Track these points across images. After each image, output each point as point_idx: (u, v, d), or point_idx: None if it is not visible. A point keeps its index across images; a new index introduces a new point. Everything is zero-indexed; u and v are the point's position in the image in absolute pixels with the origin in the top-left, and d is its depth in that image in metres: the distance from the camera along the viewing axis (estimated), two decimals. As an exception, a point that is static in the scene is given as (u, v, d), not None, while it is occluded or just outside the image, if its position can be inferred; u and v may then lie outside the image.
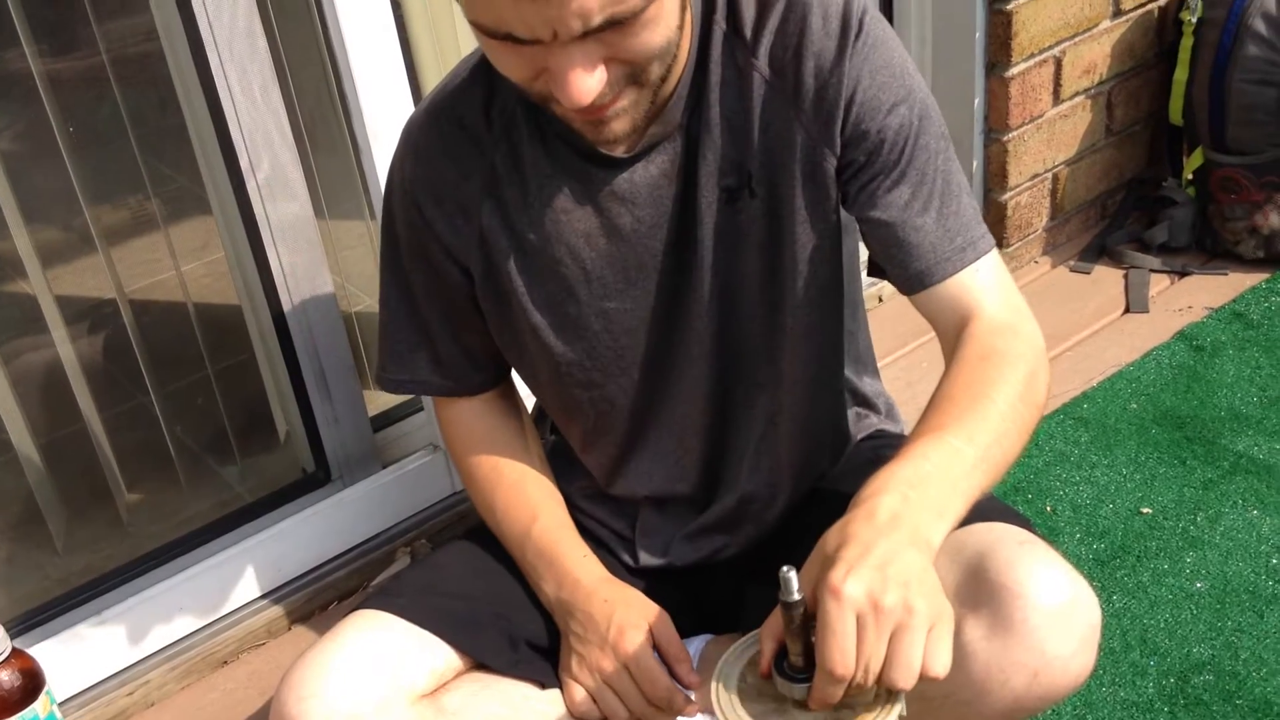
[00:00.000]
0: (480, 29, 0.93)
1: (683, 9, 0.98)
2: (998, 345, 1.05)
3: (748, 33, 1.07)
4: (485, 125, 1.13)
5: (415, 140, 1.17)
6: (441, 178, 1.15)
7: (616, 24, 0.90)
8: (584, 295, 1.15)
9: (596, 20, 0.89)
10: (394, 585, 1.25)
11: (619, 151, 1.09)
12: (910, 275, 1.10)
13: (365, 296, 1.97)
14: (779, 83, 1.07)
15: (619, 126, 1.01)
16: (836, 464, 1.30)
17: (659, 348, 1.18)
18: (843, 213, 1.14)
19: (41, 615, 1.54)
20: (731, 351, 1.17)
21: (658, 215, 1.12)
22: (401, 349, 1.25)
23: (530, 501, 1.24)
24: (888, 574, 0.85)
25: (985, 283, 1.09)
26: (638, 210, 1.11)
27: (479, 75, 1.14)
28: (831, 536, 0.91)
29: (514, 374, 1.31)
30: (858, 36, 1.04)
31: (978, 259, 1.09)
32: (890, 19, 2.08)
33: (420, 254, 1.19)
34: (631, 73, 0.97)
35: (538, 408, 1.39)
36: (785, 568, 0.87)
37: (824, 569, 0.87)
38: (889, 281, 1.13)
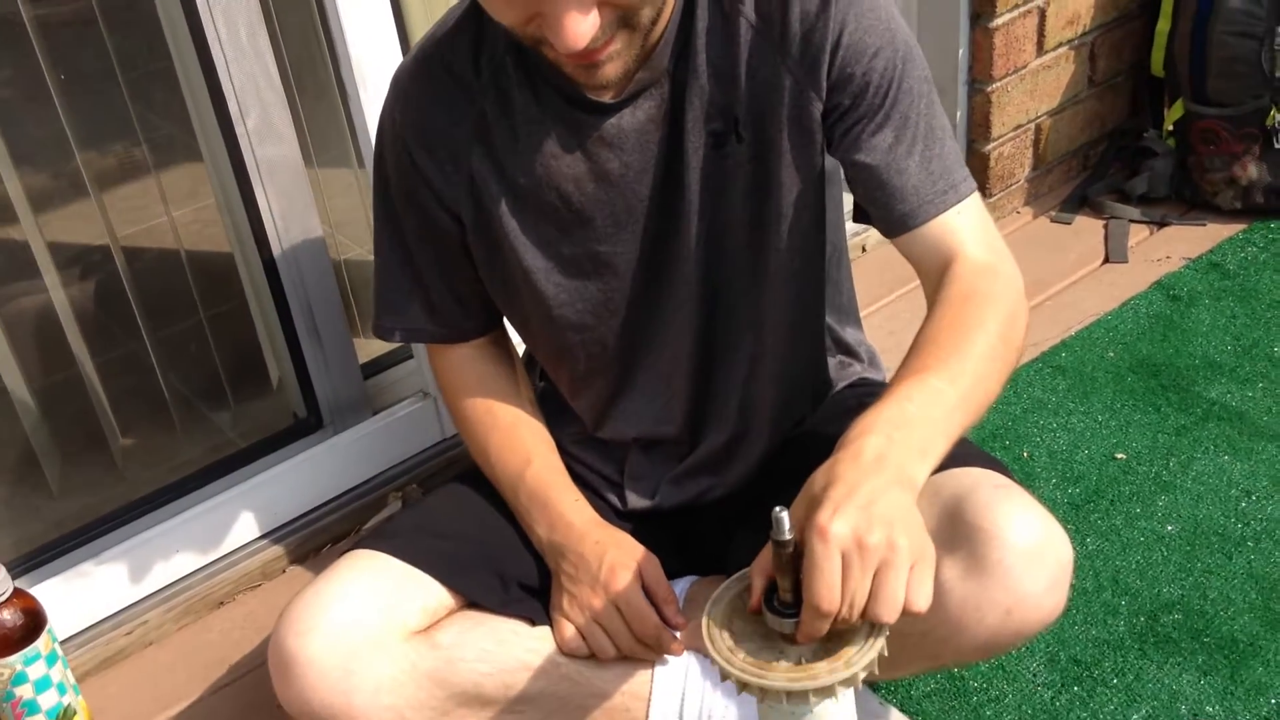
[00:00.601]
0: None
1: None
2: (979, 286, 1.08)
3: None
4: (474, 72, 1.14)
5: (405, 88, 1.19)
6: (432, 124, 1.16)
7: None
8: (575, 238, 1.17)
9: None
10: (388, 527, 1.28)
11: (607, 97, 1.11)
12: (894, 218, 1.12)
13: (354, 245, 1.98)
14: (766, 28, 1.08)
15: (610, 71, 1.03)
16: (817, 409, 1.33)
17: (648, 290, 1.20)
18: (827, 160, 1.16)
19: (40, 557, 1.57)
20: (717, 294, 1.20)
21: (645, 160, 1.14)
22: (396, 297, 1.27)
23: (524, 445, 1.27)
24: (873, 513, 0.88)
25: (968, 224, 1.12)
26: (625, 155, 1.13)
27: (467, 23, 1.15)
28: (819, 477, 0.94)
29: (505, 321, 1.33)
30: None
31: (960, 201, 1.12)
32: (877, -31, 2.09)
33: (412, 201, 1.21)
34: (624, 16, 0.99)
35: (527, 354, 1.42)
36: (777, 508, 0.90)
37: (811, 508, 0.91)
38: (873, 225, 1.16)
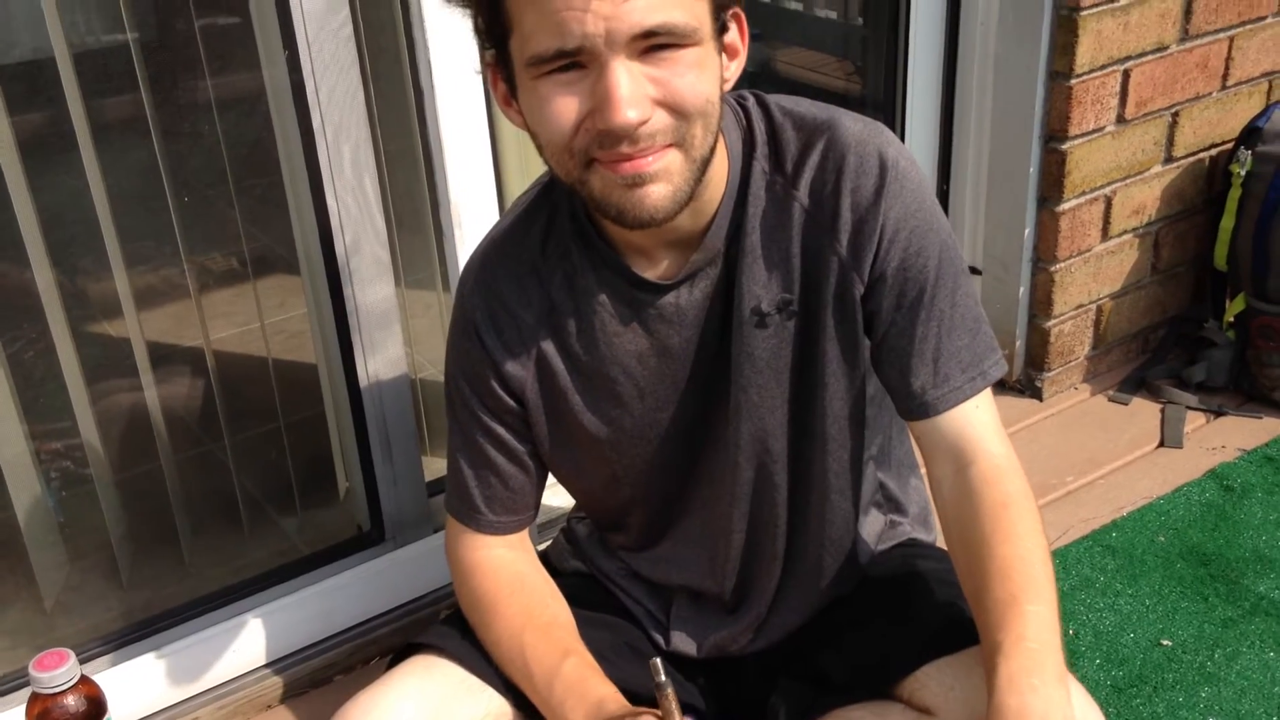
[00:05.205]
0: (535, 63, 1.00)
1: (720, 114, 1.07)
2: (1010, 489, 1.15)
3: (789, 166, 1.16)
4: (542, 257, 1.22)
5: (478, 271, 1.26)
6: (503, 307, 1.23)
7: (665, 44, 0.98)
8: (637, 409, 1.24)
9: (651, 20, 0.97)
10: (445, 628, 1.30)
11: (654, 275, 1.18)
12: (914, 406, 1.18)
13: (430, 365, 2.06)
14: (817, 212, 1.16)
15: (657, 194, 1.05)
16: (865, 570, 1.37)
17: (697, 453, 1.27)
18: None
19: (105, 645, 1.62)
20: (762, 459, 1.25)
21: (700, 334, 1.21)
22: (458, 479, 1.30)
23: (562, 642, 1.23)
24: None
25: (985, 419, 1.19)
26: (684, 331, 1.21)
27: (536, 214, 1.24)
28: None
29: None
30: (894, 179, 1.14)
31: (984, 388, 1.19)
32: (949, 149, 2.18)
33: (477, 390, 1.25)
34: (675, 126, 1.03)
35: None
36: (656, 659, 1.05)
37: None
38: (896, 408, 1.22)
